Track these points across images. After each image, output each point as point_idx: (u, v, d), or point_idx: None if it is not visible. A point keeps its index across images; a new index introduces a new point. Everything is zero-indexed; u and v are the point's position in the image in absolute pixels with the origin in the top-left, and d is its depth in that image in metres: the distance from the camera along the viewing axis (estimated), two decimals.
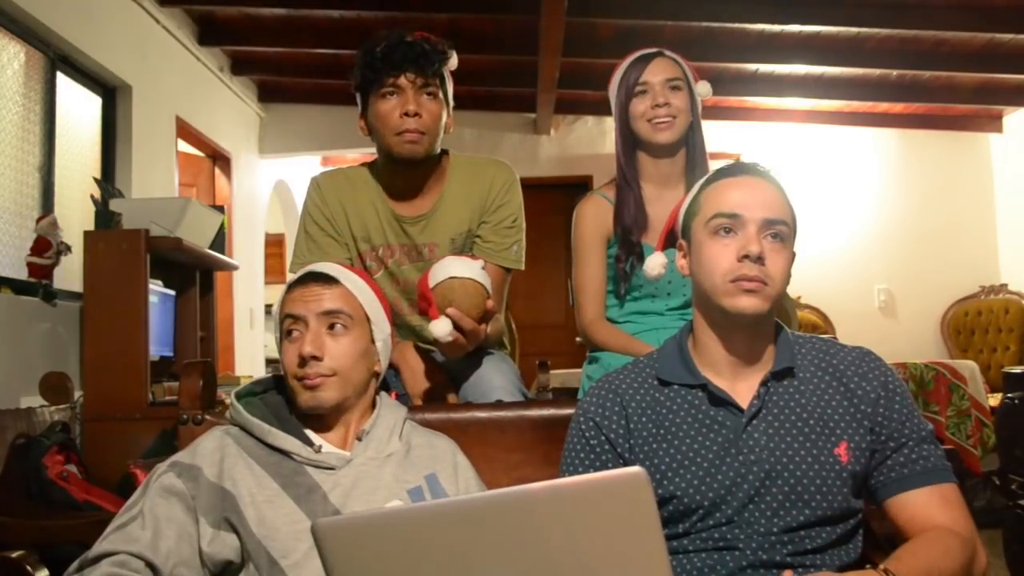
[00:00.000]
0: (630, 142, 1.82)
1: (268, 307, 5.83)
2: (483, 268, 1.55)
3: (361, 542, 0.75)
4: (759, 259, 1.13)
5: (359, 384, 1.30)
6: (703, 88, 1.83)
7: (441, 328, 1.46)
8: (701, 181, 1.26)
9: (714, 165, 1.80)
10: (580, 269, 1.85)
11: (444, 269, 1.51)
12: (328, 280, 1.31)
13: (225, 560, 1.16)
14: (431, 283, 1.51)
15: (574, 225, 1.87)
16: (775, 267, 1.15)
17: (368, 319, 1.32)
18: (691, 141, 1.82)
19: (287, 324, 1.28)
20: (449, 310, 1.47)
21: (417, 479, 1.25)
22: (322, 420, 1.28)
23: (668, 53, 1.81)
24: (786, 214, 1.18)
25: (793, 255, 1.20)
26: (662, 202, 1.79)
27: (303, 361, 1.24)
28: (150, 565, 1.12)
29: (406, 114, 1.63)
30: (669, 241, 1.38)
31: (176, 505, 1.16)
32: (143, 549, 1.12)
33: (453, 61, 1.73)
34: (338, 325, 1.27)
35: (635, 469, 0.76)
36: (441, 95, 1.68)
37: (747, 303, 1.14)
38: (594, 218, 1.83)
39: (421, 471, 1.26)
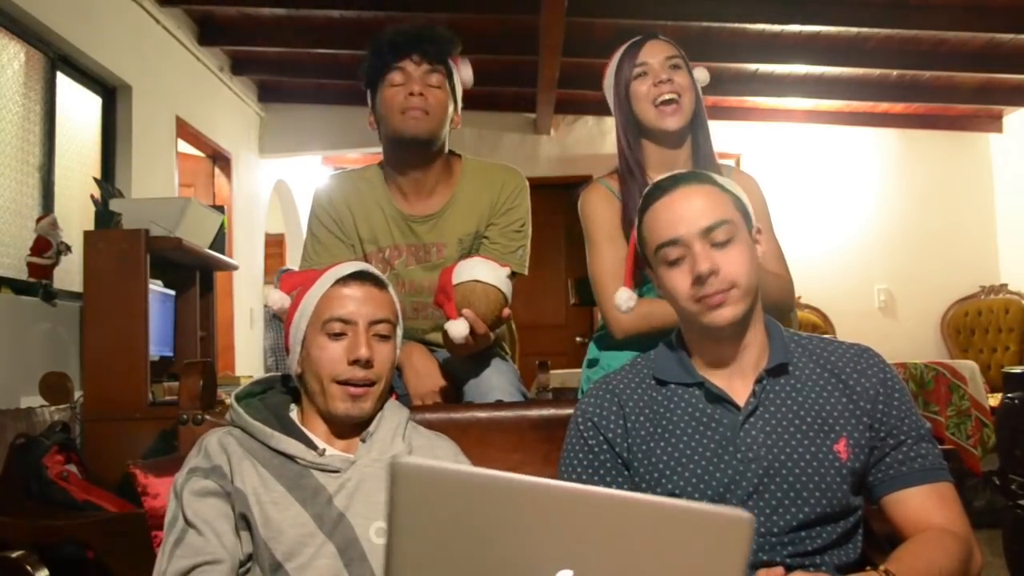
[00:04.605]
0: (633, 130, 1.70)
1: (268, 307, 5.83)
2: (508, 277, 1.56)
3: (435, 492, 0.73)
4: (713, 273, 1.12)
5: (388, 391, 1.31)
6: (701, 74, 1.73)
7: (458, 329, 1.48)
8: (639, 206, 1.23)
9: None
10: (598, 259, 1.66)
11: (470, 270, 1.53)
12: (379, 283, 1.31)
13: (244, 555, 1.17)
14: (455, 280, 1.51)
15: (584, 214, 1.72)
16: (734, 267, 1.13)
17: (398, 324, 1.33)
18: (696, 127, 1.71)
19: (333, 325, 1.25)
20: (466, 311, 1.48)
21: None
22: (333, 423, 1.27)
23: (662, 36, 1.72)
24: (725, 209, 1.16)
25: (757, 235, 1.20)
26: None
27: (355, 363, 1.23)
28: (226, 563, 1.13)
29: (411, 94, 1.65)
30: (637, 275, 1.33)
31: (217, 503, 1.17)
32: (215, 550, 1.13)
33: (467, 75, 1.75)
34: (385, 332, 1.28)
35: (743, 512, 0.72)
36: (448, 86, 1.69)
37: (721, 316, 1.14)
38: (607, 206, 1.69)
39: None
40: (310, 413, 1.29)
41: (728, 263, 1.13)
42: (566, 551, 0.72)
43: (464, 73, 1.76)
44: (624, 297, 1.36)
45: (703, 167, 1.61)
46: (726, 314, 1.13)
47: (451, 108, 1.71)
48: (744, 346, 1.19)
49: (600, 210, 1.70)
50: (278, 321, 4.72)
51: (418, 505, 0.74)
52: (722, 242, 1.14)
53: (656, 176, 1.67)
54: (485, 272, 1.52)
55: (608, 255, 1.66)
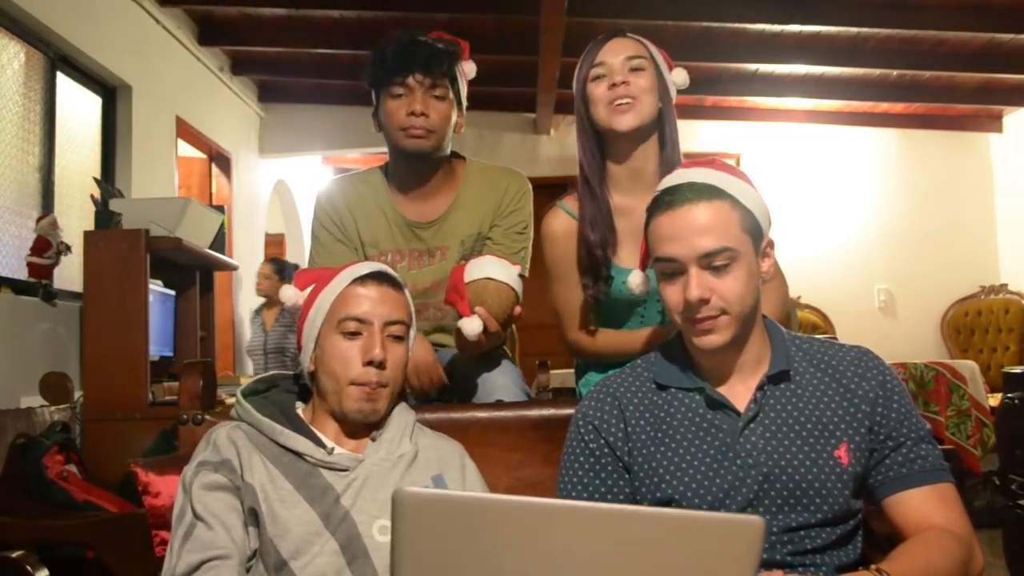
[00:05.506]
0: (592, 137, 1.61)
1: None
2: (520, 276, 1.56)
3: (439, 519, 0.73)
4: (703, 301, 1.11)
5: (399, 393, 1.31)
6: (679, 77, 1.62)
7: (473, 327, 1.48)
8: (648, 207, 1.20)
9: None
10: (560, 293, 1.66)
11: (482, 268, 1.53)
12: (395, 284, 1.31)
13: (250, 551, 1.16)
14: (467, 278, 1.51)
15: (543, 243, 1.69)
16: (728, 293, 1.12)
17: (411, 325, 1.33)
18: (663, 134, 1.60)
19: (349, 324, 1.25)
20: (479, 309, 1.49)
21: (424, 481, 1.25)
22: (343, 423, 1.27)
23: (630, 34, 1.61)
24: (729, 231, 1.12)
25: (768, 248, 1.18)
26: (633, 214, 1.57)
27: (369, 364, 1.23)
28: (234, 558, 1.13)
29: (412, 113, 1.65)
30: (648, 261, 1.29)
31: (226, 496, 1.17)
32: (225, 544, 1.13)
33: (470, 69, 1.74)
34: (399, 333, 1.28)
35: (756, 518, 0.72)
36: (451, 95, 1.69)
37: (708, 342, 1.14)
38: (565, 238, 1.63)
39: (428, 473, 1.26)
40: (320, 412, 1.29)
41: (723, 289, 1.12)
42: (575, 569, 0.72)
43: (467, 68, 1.75)
44: (636, 281, 1.38)
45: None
46: (714, 340, 1.13)
47: (455, 116, 1.71)
48: (743, 353, 1.18)
49: (555, 245, 1.65)
50: (284, 317, 4.72)
51: (422, 533, 0.73)
52: (720, 266, 1.12)
53: (619, 195, 1.62)
54: (498, 270, 1.52)
55: (561, 292, 1.66)
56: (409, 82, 1.65)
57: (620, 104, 1.54)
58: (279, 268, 4.88)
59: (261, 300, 5.01)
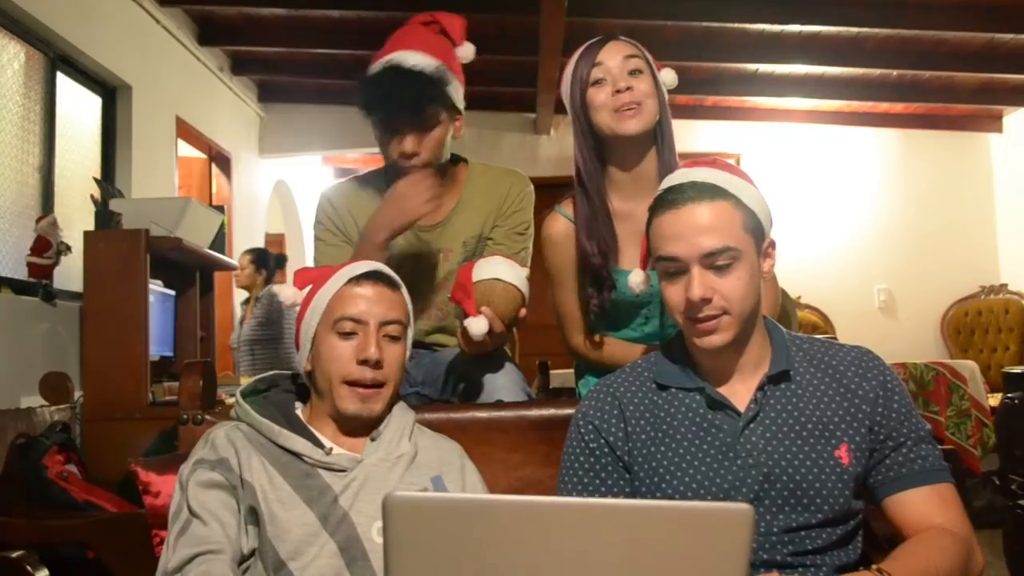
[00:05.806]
0: (591, 145, 1.59)
1: None
2: (527, 278, 1.56)
3: (430, 523, 0.73)
4: (705, 300, 1.11)
5: (397, 392, 1.30)
6: (668, 77, 1.60)
7: (479, 327, 1.47)
8: (650, 206, 1.20)
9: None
10: (562, 295, 1.68)
11: (491, 268, 1.52)
12: (392, 283, 1.30)
13: (248, 550, 1.17)
14: (475, 277, 1.51)
15: (543, 249, 1.69)
16: (730, 293, 1.11)
17: (409, 325, 1.32)
18: (660, 141, 1.59)
19: (344, 324, 1.24)
20: (485, 309, 1.48)
21: (423, 481, 1.25)
22: (341, 422, 1.27)
23: (622, 37, 1.59)
24: (732, 231, 1.12)
25: (770, 248, 1.19)
26: (634, 217, 1.57)
27: (364, 363, 1.22)
28: (227, 553, 1.13)
29: (402, 154, 1.63)
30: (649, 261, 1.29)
31: (221, 494, 1.17)
32: (219, 540, 1.13)
33: (468, 52, 1.70)
34: (395, 333, 1.27)
35: (744, 505, 0.73)
36: (444, 116, 1.65)
37: (709, 342, 1.14)
38: (565, 242, 1.63)
39: (427, 473, 1.26)
40: (318, 412, 1.29)
41: (725, 288, 1.12)
42: (567, 565, 0.72)
43: (463, 52, 1.70)
44: (637, 280, 1.39)
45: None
46: (715, 340, 1.13)
47: (450, 132, 1.69)
48: (744, 353, 1.18)
49: (555, 249, 1.66)
50: (273, 311, 4.68)
51: (414, 538, 0.73)
52: (722, 266, 1.12)
53: (619, 200, 1.62)
54: (506, 271, 1.52)
55: (562, 297, 1.68)
56: (398, 125, 1.62)
57: (627, 110, 1.53)
58: (257, 258, 4.73)
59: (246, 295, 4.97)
